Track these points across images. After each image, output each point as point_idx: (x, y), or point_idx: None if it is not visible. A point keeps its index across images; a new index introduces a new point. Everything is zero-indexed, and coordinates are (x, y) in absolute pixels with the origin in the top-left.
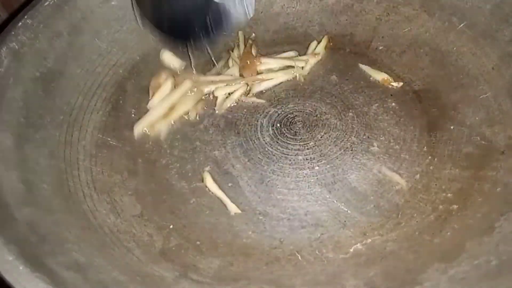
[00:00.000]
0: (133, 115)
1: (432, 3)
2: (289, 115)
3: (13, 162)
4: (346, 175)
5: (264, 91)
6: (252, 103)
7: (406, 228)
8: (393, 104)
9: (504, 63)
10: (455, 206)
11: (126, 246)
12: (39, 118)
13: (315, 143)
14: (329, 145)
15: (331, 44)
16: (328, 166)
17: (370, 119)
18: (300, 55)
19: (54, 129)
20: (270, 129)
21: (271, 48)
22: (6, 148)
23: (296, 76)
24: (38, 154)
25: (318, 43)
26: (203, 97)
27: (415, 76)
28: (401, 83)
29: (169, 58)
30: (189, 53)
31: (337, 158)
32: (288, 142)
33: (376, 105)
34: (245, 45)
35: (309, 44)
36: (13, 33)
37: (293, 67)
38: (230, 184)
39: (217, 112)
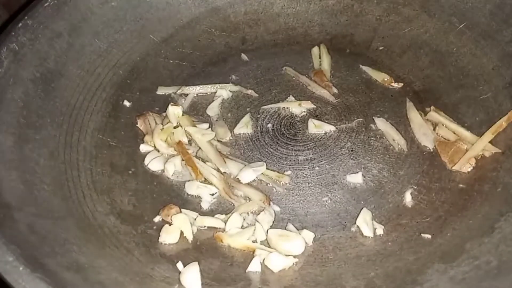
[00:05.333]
0: (133, 116)
1: (432, 3)
2: (289, 116)
3: (13, 162)
4: (346, 176)
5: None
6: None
7: (407, 229)
8: (393, 104)
9: (504, 63)
10: (455, 207)
11: (126, 247)
12: (39, 118)
13: (315, 144)
14: (330, 146)
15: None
16: (328, 166)
17: (371, 120)
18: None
19: (54, 129)
20: (270, 129)
21: (270, 49)
22: (6, 149)
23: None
24: (38, 154)
25: (318, 46)
26: None
27: (415, 77)
28: (401, 84)
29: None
30: None
31: (337, 159)
32: (288, 142)
33: (376, 106)
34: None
35: (310, 47)
36: (13, 33)
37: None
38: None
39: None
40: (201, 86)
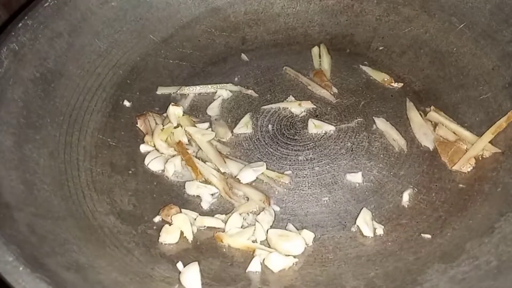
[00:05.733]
0: (133, 116)
1: (432, 3)
2: (289, 116)
3: (13, 162)
4: (346, 176)
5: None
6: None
7: (407, 229)
8: (393, 104)
9: (504, 63)
10: (455, 207)
11: (126, 247)
12: (39, 118)
13: (315, 144)
14: (329, 146)
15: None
16: (328, 166)
17: (371, 120)
18: (301, 63)
19: (54, 129)
20: (270, 129)
21: (270, 49)
22: (6, 149)
23: (296, 78)
24: (38, 154)
25: (318, 46)
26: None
27: (415, 77)
28: (401, 84)
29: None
30: None
31: (338, 159)
32: (288, 142)
33: (376, 106)
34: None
35: (310, 47)
36: (13, 33)
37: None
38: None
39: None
40: (201, 86)
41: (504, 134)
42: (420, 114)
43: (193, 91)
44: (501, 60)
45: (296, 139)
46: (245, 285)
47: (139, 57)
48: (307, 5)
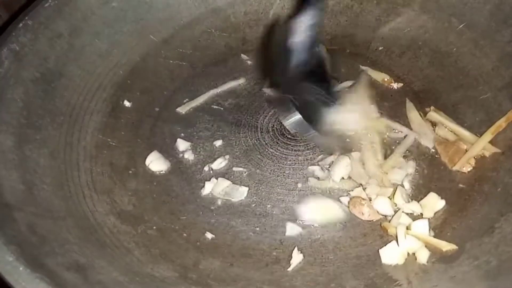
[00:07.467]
0: (133, 116)
1: (432, 3)
2: None
3: (13, 162)
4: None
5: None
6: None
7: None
8: (393, 104)
9: (504, 63)
10: (455, 207)
11: (126, 247)
12: (39, 118)
13: (315, 144)
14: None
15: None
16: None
17: None
18: None
19: (54, 130)
20: (270, 129)
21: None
22: (6, 149)
23: None
24: (38, 154)
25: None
26: None
27: (415, 77)
28: (401, 84)
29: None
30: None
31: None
32: (288, 142)
33: (376, 106)
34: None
35: None
36: (13, 34)
37: None
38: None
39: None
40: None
41: (504, 134)
42: (420, 114)
43: (202, 98)
44: (501, 60)
45: (296, 139)
46: (245, 285)
47: (139, 57)
48: None
